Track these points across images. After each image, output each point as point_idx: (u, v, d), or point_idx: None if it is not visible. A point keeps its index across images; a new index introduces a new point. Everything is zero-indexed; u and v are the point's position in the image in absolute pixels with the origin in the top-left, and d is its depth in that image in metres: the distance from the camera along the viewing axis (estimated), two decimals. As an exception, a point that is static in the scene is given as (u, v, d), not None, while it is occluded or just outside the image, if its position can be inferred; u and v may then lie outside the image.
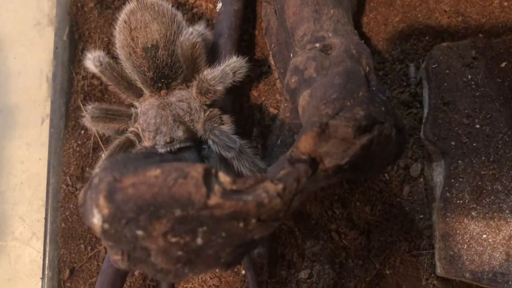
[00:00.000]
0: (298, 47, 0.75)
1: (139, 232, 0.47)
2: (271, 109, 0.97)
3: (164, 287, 0.89)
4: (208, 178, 0.47)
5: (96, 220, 0.48)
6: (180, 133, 0.83)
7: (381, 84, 0.76)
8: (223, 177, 0.48)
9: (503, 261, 0.76)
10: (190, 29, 0.84)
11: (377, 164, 0.64)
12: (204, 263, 0.51)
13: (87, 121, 0.89)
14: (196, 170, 0.46)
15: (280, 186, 0.49)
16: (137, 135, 0.87)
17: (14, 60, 1.03)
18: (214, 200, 0.46)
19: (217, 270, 0.91)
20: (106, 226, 0.48)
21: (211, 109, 0.86)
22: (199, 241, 0.48)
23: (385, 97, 0.65)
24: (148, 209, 0.46)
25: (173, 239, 0.47)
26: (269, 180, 0.50)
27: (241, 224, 0.48)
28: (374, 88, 0.66)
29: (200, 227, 0.47)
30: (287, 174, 0.52)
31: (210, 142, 0.82)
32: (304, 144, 0.56)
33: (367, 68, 0.66)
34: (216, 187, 0.46)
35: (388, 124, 0.60)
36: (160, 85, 0.87)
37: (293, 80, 0.70)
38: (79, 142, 1.02)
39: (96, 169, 0.83)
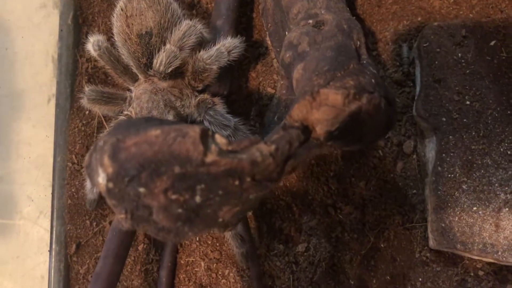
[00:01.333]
0: (293, 24, 0.77)
1: (141, 189, 0.49)
2: (269, 89, 0.99)
3: (167, 259, 0.93)
4: (205, 137, 0.49)
5: (101, 179, 0.50)
6: (170, 117, 0.86)
7: (372, 58, 0.78)
8: (219, 138, 0.51)
9: (492, 232, 0.79)
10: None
11: (367, 133, 0.66)
12: (203, 222, 0.53)
13: (84, 102, 0.92)
14: (194, 130, 0.49)
15: (273, 147, 0.52)
16: (130, 118, 0.90)
17: (22, 40, 1.05)
18: (210, 157, 0.48)
19: (217, 246, 0.95)
20: (111, 185, 0.50)
21: (202, 94, 0.89)
22: (197, 198, 0.50)
23: (376, 70, 0.67)
24: (149, 166, 0.48)
25: (173, 196, 0.49)
26: (263, 142, 0.53)
27: (237, 182, 0.50)
28: (365, 61, 0.68)
29: (198, 184, 0.49)
30: (280, 137, 0.54)
31: (206, 122, 0.85)
32: (297, 112, 0.59)
33: (358, 43, 0.69)
34: (213, 146, 0.49)
35: (377, 94, 0.62)
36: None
37: (287, 55, 0.73)
38: (84, 122, 1.04)
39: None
